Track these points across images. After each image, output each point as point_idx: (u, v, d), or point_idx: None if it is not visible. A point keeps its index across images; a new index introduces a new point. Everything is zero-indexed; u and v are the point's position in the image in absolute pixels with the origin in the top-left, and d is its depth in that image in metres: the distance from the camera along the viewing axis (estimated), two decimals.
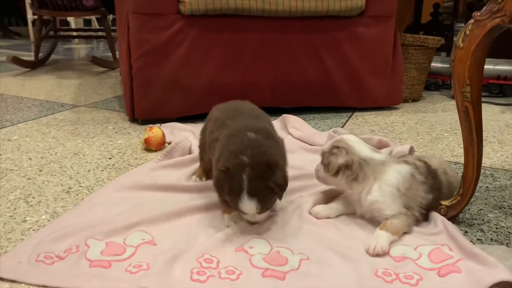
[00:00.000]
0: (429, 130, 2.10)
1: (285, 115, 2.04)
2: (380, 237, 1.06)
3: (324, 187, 1.31)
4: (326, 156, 1.17)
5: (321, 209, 1.21)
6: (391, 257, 1.02)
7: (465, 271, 0.95)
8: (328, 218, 1.19)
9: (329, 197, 1.27)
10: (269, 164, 1.02)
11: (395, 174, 1.13)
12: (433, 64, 2.82)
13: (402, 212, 1.11)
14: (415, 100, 2.71)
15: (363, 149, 1.15)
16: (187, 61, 2.04)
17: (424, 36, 2.59)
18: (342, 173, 1.14)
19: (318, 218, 1.19)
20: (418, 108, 2.56)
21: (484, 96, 2.81)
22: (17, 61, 3.43)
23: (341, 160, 1.12)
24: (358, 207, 1.17)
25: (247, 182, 1.00)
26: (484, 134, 2.00)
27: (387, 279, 0.94)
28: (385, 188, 1.12)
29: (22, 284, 0.91)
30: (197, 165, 1.47)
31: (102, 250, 1.02)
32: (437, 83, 2.99)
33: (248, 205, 1.02)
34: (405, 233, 1.10)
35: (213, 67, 2.10)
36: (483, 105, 2.60)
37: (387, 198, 1.12)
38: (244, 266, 0.98)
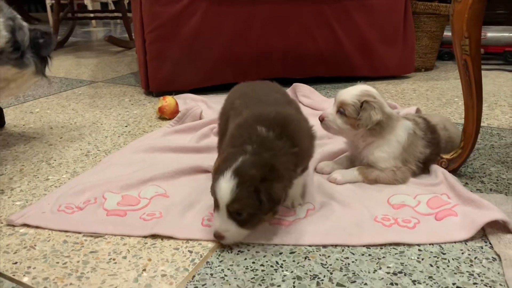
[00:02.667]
0: (439, 96, 2.11)
1: (295, 84, 2.07)
2: (347, 173, 1.19)
3: (328, 148, 1.36)
4: (352, 109, 1.15)
5: (325, 164, 1.26)
6: (390, 204, 1.07)
7: (461, 214, 0.99)
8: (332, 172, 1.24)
9: (331, 156, 1.32)
10: (264, 178, 0.86)
11: (403, 131, 1.18)
12: (447, 33, 2.79)
13: (396, 167, 1.16)
14: (427, 69, 2.70)
15: (385, 105, 1.19)
16: (199, 33, 2.09)
17: (436, 3, 2.56)
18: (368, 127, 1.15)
19: (323, 174, 1.24)
20: (430, 76, 2.56)
21: (499, 64, 2.79)
22: None
23: (378, 116, 1.14)
24: (359, 158, 1.21)
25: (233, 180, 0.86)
26: (495, 98, 2.02)
27: (386, 223, 0.99)
28: (394, 144, 1.17)
29: (46, 230, 0.99)
30: (206, 128, 1.54)
31: (118, 201, 1.09)
32: (451, 53, 2.96)
33: (222, 189, 0.86)
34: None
35: (225, 39, 2.14)
36: (497, 72, 2.58)
37: (391, 154, 1.16)
38: None
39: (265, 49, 2.23)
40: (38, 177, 1.27)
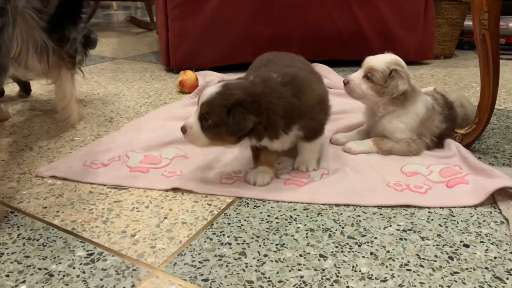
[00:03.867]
0: (457, 81, 2.12)
1: (313, 64, 2.09)
2: (362, 143, 1.22)
3: (343, 121, 1.39)
4: (380, 75, 1.16)
5: (341, 135, 1.30)
6: (403, 172, 1.10)
7: (472, 182, 1.02)
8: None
9: (347, 129, 1.35)
10: (241, 102, 0.92)
11: (423, 105, 1.20)
12: (468, 23, 2.78)
13: (411, 139, 1.19)
14: (447, 56, 2.69)
15: (411, 76, 1.20)
16: (220, 11, 2.13)
17: None
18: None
19: (337, 144, 1.27)
20: (449, 64, 2.56)
21: None
22: None
23: (405, 86, 1.15)
24: (375, 128, 1.23)
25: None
26: None
27: (398, 189, 1.02)
28: (413, 116, 1.19)
29: (72, 182, 1.05)
30: None
31: (140, 160, 1.14)
32: (471, 42, 2.94)
33: (205, 93, 0.95)
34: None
35: (245, 18, 2.17)
36: None
37: (408, 125, 1.19)
38: None
39: (284, 30, 2.25)
40: (64, 138, 1.33)
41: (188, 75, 1.84)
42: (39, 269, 0.74)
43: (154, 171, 1.10)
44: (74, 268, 0.75)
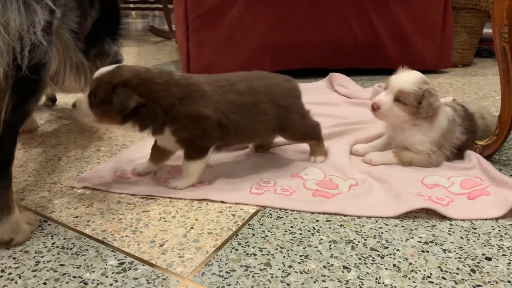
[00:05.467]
0: (476, 90, 2.12)
1: (332, 73, 2.12)
2: (382, 155, 1.24)
3: (363, 132, 1.41)
4: (413, 97, 1.15)
5: (360, 147, 1.31)
6: (423, 184, 1.11)
7: (493, 194, 1.03)
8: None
9: (366, 140, 1.36)
10: (128, 83, 0.97)
11: (444, 117, 1.21)
12: (487, 30, 2.77)
13: (431, 151, 1.20)
14: (465, 65, 2.69)
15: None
16: (240, 21, 2.16)
17: None
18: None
19: (357, 155, 1.29)
20: (467, 72, 2.55)
21: None
22: None
23: (438, 103, 1.17)
24: (396, 140, 1.25)
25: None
26: None
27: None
28: (436, 129, 1.20)
29: (101, 192, 1.09)
30: None
31: (168, 170, 1.18)
32: (490, 50, 2.93)
33: (100, 70, 1.01)
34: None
35: (264, 28, 2.21)
36: None
37: (431, 138, 1.20)
38: (298, 187, 1.10)
39: (302, 39, 2.28)
40: (90, 148, 1.37)
41: None
42: (74, 277, 0.78)
43: None
44: (107, 276, 0.78)
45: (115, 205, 1.02)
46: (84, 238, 0.89)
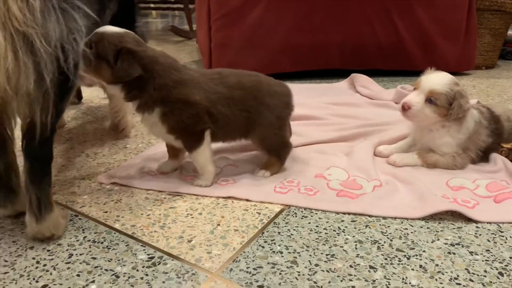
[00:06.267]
0: (500, 93, 2.09)
1: (353, 74, 2.12)
2: (406, 156, 1.23)
3: (386, 133, 1.40)
4: (444, 98, 1.15)
5: (384, 148, 1.31)
6: (448, 186, 1.11)
7: None
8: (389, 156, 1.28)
9: (390, 141, 1.36)
10: (128, 48, 0.99)
11: (471, 119, 1.20)
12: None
13: (457, 153, 1.19)
14: (488, 67, 2.65)
15: None
16: (262, 22, 2.18)
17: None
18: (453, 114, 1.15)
19: (381, 157, 1.29)
20: (491, 74, 2.52)
21: None
22: None
23: (468, 105, 1.16)
24: (422, 142, 1.24)
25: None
26: None
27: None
28: (463, 131, 1.20)
29: (129, 187, 1.11)
30: None
31: (192, 168, 1.20)
32: None
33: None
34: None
35: (285, 28, 2.22)
36: None
37: (457, 140, 1.20)
38: (322, 187, 1.11)
39: (323, 40, 2.28)
40: (117, 145, 1.40)
41: None
42: (106, 270, 0.80)
43: None
44: (137, 270, 0.80)
45: (143, 201, 1.05)
46: (114, 233, 0.92)
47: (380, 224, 0.95)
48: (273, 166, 1.18)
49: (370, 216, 0.98)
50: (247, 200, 1.05)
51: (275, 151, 1.17)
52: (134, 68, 0.99)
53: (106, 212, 1.00)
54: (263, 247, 0.87)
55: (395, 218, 0.98)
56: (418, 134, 1.26)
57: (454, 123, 1.18)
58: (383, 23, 2.28)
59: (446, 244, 0.88)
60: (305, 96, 1.93)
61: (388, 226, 0.95)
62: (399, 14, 2.28)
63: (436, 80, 1.18)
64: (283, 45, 2.24)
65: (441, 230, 0.93)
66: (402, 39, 2.32)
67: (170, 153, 1.19)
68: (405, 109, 1.19)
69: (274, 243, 0.88)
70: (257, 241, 0.89)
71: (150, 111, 1.04)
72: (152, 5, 5.19)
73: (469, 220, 0.97)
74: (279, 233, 0.92)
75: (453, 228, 0.94)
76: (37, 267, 0.80)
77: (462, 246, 0.88)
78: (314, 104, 1.77)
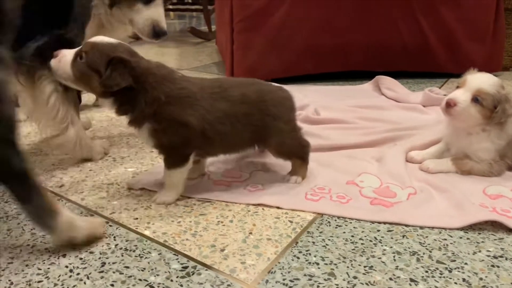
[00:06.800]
0: None
1: (378, 76, 2.08)
2: (440, 162, 1.19)
3: (417, 138, 1.37)
4: (491, 100, 1.10)
5: (416, 153, 1.28)
6: (486, 195, 1.07)
7: None
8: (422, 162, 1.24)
9: (421, 146, 1.32)
10: (124, 62, 0.94)
11: (510, 125, 1.16)
12: None
13: (493, 161, 1.15)
14: None
15: None
16: (284, 24, 2.15)
17: None
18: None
19: (413, 163, 1.26)
20: None
21: None
22: None
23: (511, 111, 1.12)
24: (457, 146, 1.20)
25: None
26: None
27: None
28: (503, 136, 1.15)
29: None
30: None
31: (222, 173, 1.19)
32: None
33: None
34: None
35: (308, 29, 2.19)
36: None
37: (496, 146, 1.15)
38: (354, 194, 1.08)
39: (347, 41, 2.25)
40: (143, 149, 1.40)
41: None
42: (140, 280, 0.79)
43: (236, 185, 1.13)
44: (171, 280, 0.78)
45: (173, 208, 1.03)
46: (146, 240, 0.91)
47: (417, 234, 0.92)
48: (301, 169, 1.15)
49: (406, 225, 0.95)
50: (278, 207, 1.03)
51: (294, 155, 1.14)
52: (124, 77, 0.94)
53: (137, 218, 0.99)
54: (298, 257, 0.85)
55: (433, 228, 0.95)
56: (454, 139, 1.22)
57: (495, 127, 1.13)
58: (408, 24, 2.23)
59: (488, 256, 0.85)
60: (331, 99, 1.90)
61: (426, 237, 0.92)
62: (424, 14, 2.23)
63: (485, 79, 1.14)
64: (306, 47, 2.21)
65: (482, 241, 0.90)
66: (427, 39, 2.27)
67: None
68: (450, 105, 1.13)
69: (309, 254, 0.86)
70: (291, 251, 0.87)
71: (140, 127, 1.01)
72: (170, 6, 5.21)
73: (510, 230, 0.93)
74: (313, 243, 0.90)
75: (494, 239, 0.90)
76: (70, 276, 0.80)
77: (506, 259, 0.84)
78: (340, 107, 1.74)
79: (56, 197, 1.08)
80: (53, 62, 1.00)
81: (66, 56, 0.99)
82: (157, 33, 1.31)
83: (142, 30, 1.31)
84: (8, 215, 1.00)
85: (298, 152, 1.14)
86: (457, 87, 1.17)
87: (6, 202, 1.06)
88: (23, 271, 0.81)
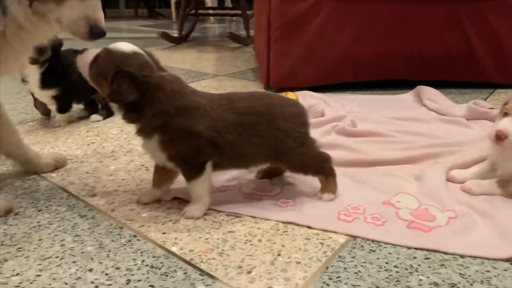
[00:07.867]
0: None
1: (420, 87, 2.00)
2: (484, 184, 1.12)
3: (459, 156, 1.29)
4: None
5: (457, 173, 1.20)
6: None
7: None
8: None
9: (463, 165, 1.24)
10: (131, 74, 0.95)
11: None
12: None
13: None
14: None
15: None
16: (322, 31, 2.11)
17: None
18: None
19: (454, 182, 1.19)
20: None
21: None
22: (165, 36, 3.83)
23: None
24: (503, 166, 1.12)
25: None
26: None
27: None
28: None
29: None
30: (328, 126, 1.55)
31: (252, 186, 1.16)
32: None
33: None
34: None
35: (347, 38, 2.13)
36: None
37: None
38: (390, 216, 1.02)
39: (388, 49, 2.17)
40: None
41: (289, 97, 1.84)
42: None
43: (267, 199, 1.10)
44: None
45: (201, 223, 1.02)
46: (172, 257, 0.89)
47: (457, 264, 0.86)
48: (328, 185, 1.11)
49: (445, 253, 0.89)
50: (309, 227, 0.99)
51: (310, 170, 1.10)
52: (130, 92, 0.94)
53: (165, 233, 0.98)
54: (328, 284, 0.81)
55: (475, 257, 0.88)
56: (501, 159, 1.13)
57: None
58: (453, 32, 2.13)
59: None
60: (369, 109, 1.84)
61: (467, 267, 0.85)
62: (471, 22, 2.12)
63: None
64: (345, 55, 2.16)
65: None
66: (473, 49, 2.16)
67: (155, 181, 1.12)
68: (501, 138, 1.06)
69: (340, 281, 0.82)
70: (321, 277, 0.83)
71: (149, 137, 1.01)
72: (211, 11, 5.25)
73: None
74: (345, 268, 0.85)
75: None
76: None
77: None
78: (377, 119, 1.68)
79: (87, 207, 1.09)
80: (78, 58, 1.03)
81: (88, 55, 1.01)
82: (95, 34, 1.06)
83: (76, 30, 1.04)
84: (40, 224, 1.02)
85: (313, 167, 1.10)
86: (505, 113, 1.09)
87: (39, 211, 1.08)
88: (50, 285, 0.81)
